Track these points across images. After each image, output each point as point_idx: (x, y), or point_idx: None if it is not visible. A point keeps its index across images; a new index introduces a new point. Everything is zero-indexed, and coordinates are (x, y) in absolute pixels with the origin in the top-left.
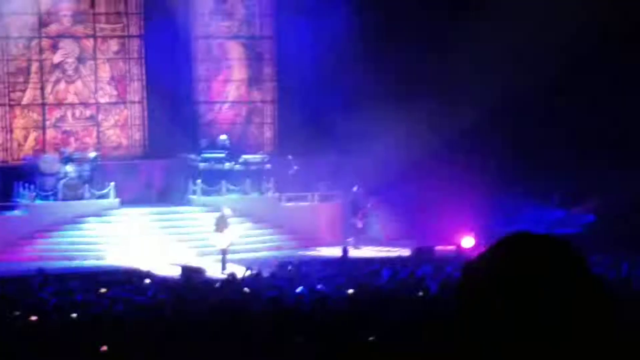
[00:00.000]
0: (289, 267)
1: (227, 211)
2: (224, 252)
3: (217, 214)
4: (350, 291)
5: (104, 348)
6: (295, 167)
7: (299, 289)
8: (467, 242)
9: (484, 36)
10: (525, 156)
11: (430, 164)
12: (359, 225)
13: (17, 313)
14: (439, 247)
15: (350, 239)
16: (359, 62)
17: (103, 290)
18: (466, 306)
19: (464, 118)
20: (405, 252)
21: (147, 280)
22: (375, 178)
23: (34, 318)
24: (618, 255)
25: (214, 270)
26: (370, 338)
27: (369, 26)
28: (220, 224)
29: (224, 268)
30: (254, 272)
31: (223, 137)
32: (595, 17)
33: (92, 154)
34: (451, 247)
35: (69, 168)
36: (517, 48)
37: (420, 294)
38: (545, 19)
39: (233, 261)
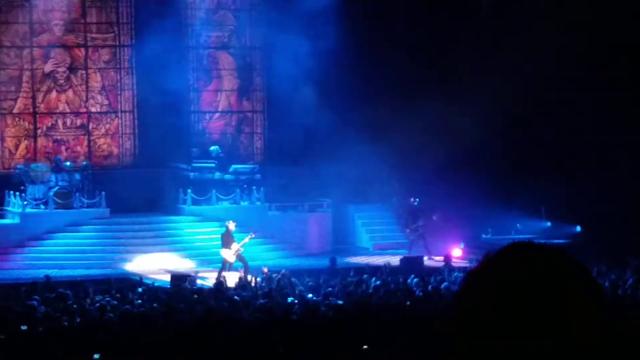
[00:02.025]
0: (278, 276)
1: (231, 226)
2: (225, 264)
3: (222, 230)
4: (337, 301)
5: (96, 357)
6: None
7: (289, 299)
8: (456, 253)
9: (478, 51)
10: (514, 168)
11: (420, 176)
12: (411, 236)
13: (6, 322)
14: (427, 258)
15: (410, 251)
16: (349, 72)
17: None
18: (466, 314)
19: (455, 131)
20: (394, 262)
21: (138, 289)
22: (367, 189)
23: (23, 327)
24: (606, 264)
25: (207, 279)
26: (364, 347)
27: (359, 37)
28: (227, 239)
29: (218, 278)
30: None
31: (214, 147)
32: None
33: (83, 163)
34: (439, 258)
35: (60, 177)
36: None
37: (408, 303)
38: (551, 28)
39: (231, 270)
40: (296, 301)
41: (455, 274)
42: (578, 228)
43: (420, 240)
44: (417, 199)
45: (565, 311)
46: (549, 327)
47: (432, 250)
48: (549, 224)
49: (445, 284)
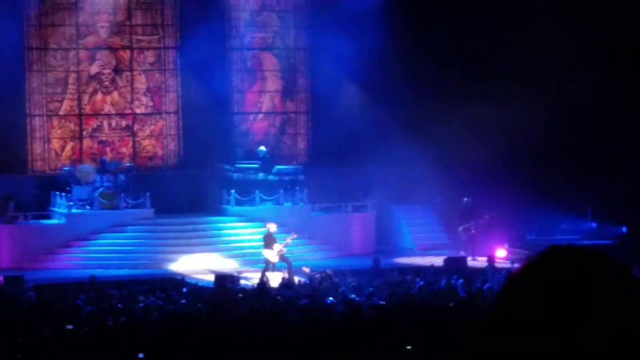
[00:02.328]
0: (322, 277)
1: (272, 227)
2: (268, 265)
3: (265, 231)
4: (380, 301)
5: (141, 356)
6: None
7: (332, 299)
8: (500, 253)
9: (523, 49)
10: (559, 168)
11: (465, 176)
12: (464, 236)
13: (52, 320)
14: (473, 259)
15: (462, 251)
16: (393, 72)
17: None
18: (507, 315)
19: (500, 130)
20: (438, 263)
21: (182, 289)
22: (410, 189)
23: (69, 327)
24: None
25: (250, 280)
26: (408, 347)
27: (403, 36)
28: (269, 240)
29: (261, 278)
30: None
31: (261, 148)
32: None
33: (128, 164)
34: (483, 259)
35: (105, 178)
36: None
37: (451, 304)
38: (596, 21)
39: (274, 271)
40: (339, 301)
41: (499, 275)
42: (624, 229)
43: (471, 240)
44: (470, 199)
45: (602, 313)
46: (586, 328)
47: (477, 251)
48: (594, 224)
49: (488, 284)
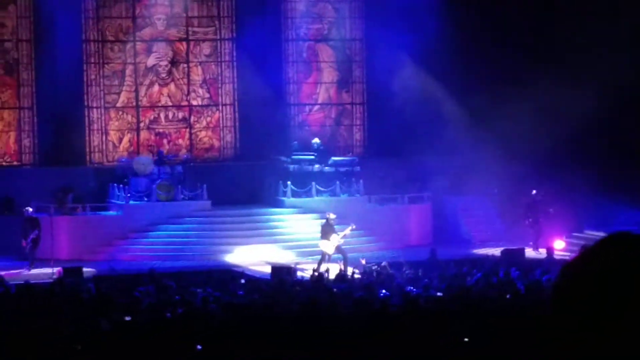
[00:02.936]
0: (378, 268)
1: (331, 217)
2: (324, 256)
3: (323, 221)
4: (437, 293)
5: (199, 348)
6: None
7: (388, 291)
8: (559, 245)
9: (584, 36)
10: (620, 158)
11: (522, 166)
12: (531, 229)
13: (111, 312)
14: (530, 250)
15: (531, 243)
16: (450, 62)
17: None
18: (563, 306)
19: (558, 121)
20: (495, 254)
21: (241, 279)
22: (466, 180)
23: (127, 318)
24: None
25: (306, 271)
26: (465, 339)
27: (459, 26)
28: (326, 231)
29: (318, 270)
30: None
31: (315, 140)
32: None
33: (185, 156)
34: (542, 250)
35: (162, 169)
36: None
37: (509, 296)
38: None
39: (330, 262)
40: (395, 293)
41: (557, 266)
42: None
43: (538, 233)
44: (538, 191)
45: None
46: None
47: (539, 244)
48: None
49: (547, 276)
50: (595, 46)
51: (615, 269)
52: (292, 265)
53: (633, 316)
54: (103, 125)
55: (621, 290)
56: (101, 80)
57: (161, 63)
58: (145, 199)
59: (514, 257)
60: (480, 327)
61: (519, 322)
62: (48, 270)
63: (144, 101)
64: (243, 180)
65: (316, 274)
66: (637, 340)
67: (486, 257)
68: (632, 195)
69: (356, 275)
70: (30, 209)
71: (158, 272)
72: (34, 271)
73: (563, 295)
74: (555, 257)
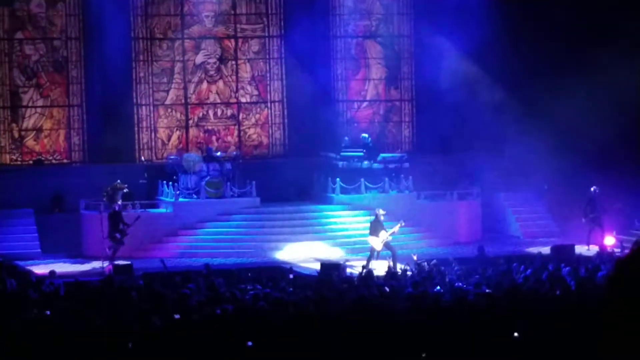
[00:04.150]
0: (428, 265)
1: (381, 213)
2: (373, 252)
3: (372, 217)
4: (487, 289)
5: (249, 344)
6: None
7: (438, 288)
8: (609, 241)
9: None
10: None
11: (572, 163)
12: (589, 226)
13: (162, 309)
14: (580, 246)
15: (587, 242)
16: (500, 58)
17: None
18: (617, 299)
19: (615, 118)
20: (545, 251)
21: (290, 276)
22: (515, 176)
23: (176, 316)
24: None
25: (355, 268)
26: (515, 335)
27: (509, 21)
28: (375, 227)
29: (367, 266)
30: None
31: (364, 135)
32: None
33: (234, 153)
34: (593, 246)
35: (211, 166)
36: None
37: (558, 292)
38: None
39: (378, 259)
40: (445, 290)
41: (610, 262)
42: None
43: (595, 230)
44: (597, 188)
45: None
46: None
47: (591, 240)
48: None
49: (601, 273)
50: None
51: None
52: (341, 262)
53: None
54: (152, 122)
55: None
56: (150, 77)
57: (209, 60)
58: (195, 196)
59: (564, 253)
60: (530, 323)
61: (569, 318)
62: (98, 267)
63: (193, 98)
64: (292, 177)
65: (365, 270)
66: None
67: (536, 254)
68: None
69: (408, 272)
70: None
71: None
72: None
73: (618, 288)
74: (607, 253)
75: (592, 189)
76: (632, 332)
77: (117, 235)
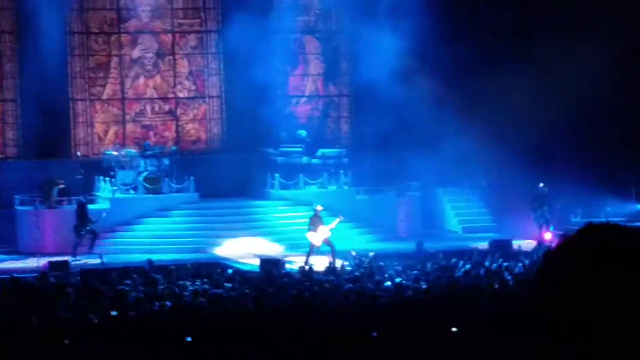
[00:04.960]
0: (367, 260)
1: (319, 209)
2: (312, 248)
3: (311, 213)
4: (426, 284)
5: (188, 339)
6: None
7: (387, 283)
8: (547, 236)
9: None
10: (604, 148)
11: (510, 158)
12: (537, 222)
13: (99, 306)
14: (518, 241)
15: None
16: (437, 54)
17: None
18: (546, 291)
19: (555, 111)
20: (483, 245)
21: (229, 272)
22: (454, 172)
23: (113, 313)
24: None
25: (294, 263)
26: (453, 329)
27: (446, 19)
28: (314, 222)
29: (306, 262)
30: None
31: (301, 131)
32: None
33: (172, 148)
34: (530, 241)
35: (149, 162)
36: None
37: (496, 286)
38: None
39: (317, 254)
40: (384, 285)
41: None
42: None
43: (544, 225)
44: (544, 185)
45: (634, 291)
46: (623, 307)
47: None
48: (639, 206)
49: (536, 267)
50: (580, 39)
51: (593, 258)
52: (281, 258)
53: (609, 302)
54: (88, 117)
55: (598, 278)
56: (86, 72)
57: (146, 55)
58: (132, 191)
59: (502, 248)
60: (469, 317)
61: (506, 311)
62: (34, 263)
63: (130, 93)
64: (230, 173)
65: (306, 266)
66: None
67: (474, 249)
68: (617, 186)
69: (347, 268)
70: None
71: (144, 265)
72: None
73: (546, 280)
74: (543, 247)
75: (540, 185)
76: (560, 323)
77: (82, 230)
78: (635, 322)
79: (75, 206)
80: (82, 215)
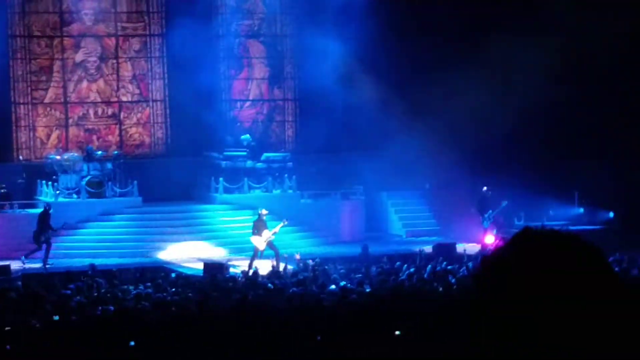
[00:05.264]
0: (312, 264)
1: (263, 213)
2: (256, 252)
3: (255, 217)
4: (370, 288)
5: (131, 344)
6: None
7: (332, 287)
8: (489, 239)
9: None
10: (547, 153)
11: (454, 162)
12: (484, 225)
13: (41, 310)
14: (462, 245)
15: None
16: (382, 58)
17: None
18: (482, 296)
19: (489, 116)
20: (427, 249)
21: (173, 276)
22: (398, 176)
23: (55, 317)
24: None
25: (238, 267)
26: (397, 332)
27: (391, 23)
28: (258, 226)
29: (250, 266)
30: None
31: (245, 135)
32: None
33: (115, 152)
34: (474, 244)
35: (92, 166)
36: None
37: (441, 289)
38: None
39: (261, 258)
40: (329, 289)
41: None
42: (611, 214)
43: (493, 228)
44: (489, 188)
45: (574, 296)
46: (556, 310)
47: (472, 237)
48: (582, 210)
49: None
50: (520, 48)
51: (530, 262)
52: (225, 262)
53: (543, 306)
54: (31, 121)
55: (534, 281)
56: (28, 75)
57: (90, 59)
58: (75, 196)
59: (445, 251)
60: (412, 320)
61: (450, 314)
62: None
63: (73, 97)
64: (175, 177)
65: (250, 270)
66: (550, 330)
67: (418, 252)
68: (560, 190)
69: (290, 271)
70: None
71: (86, 269)
72: None
73: (482, 285)
74: (486, 251)
75: (484, 188)
76: (495, 328)
77: (42, 237)
78: (561, 329)
79: (39, 212)
80: (43, 221)
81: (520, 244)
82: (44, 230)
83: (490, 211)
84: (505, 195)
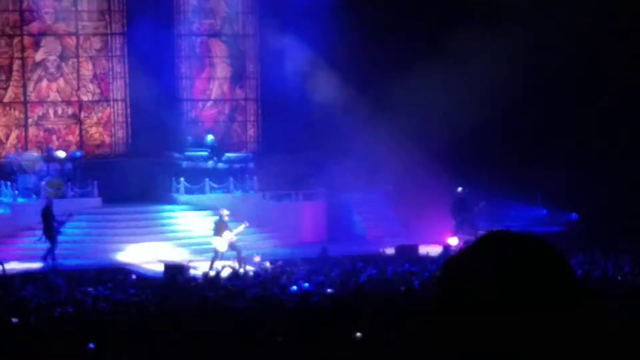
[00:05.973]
0: (272, 265)
1: (225, 214)
2: (217, 253)
3: (216, 218)
4: (331, 289)
5: (91, 346)
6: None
7: (294, 287)
8: (452, 241)
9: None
10: (511, 155)
11: (417, 163)
12: (459, 226)
13: None
14: (424, 246)
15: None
16: (344, 58)
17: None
18: (444, 301)
19: (452, 117)
20: (389, 251)
21: (133, 277)
22: (361, 177)
23: (14, 320)
24: (602, 253)
25: (199, 269)
26: (358, 334)
27: (356, 19)
28: (219, 227)
29: (211, 267)
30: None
31: (209, 136)
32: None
33: (75, 152)
34: (437, 246)
35: (51, 166)
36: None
37: (403, 290)
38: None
39: (222, 259)
40: (290, 290)
41: None
42: (574, 216)
43: (470, 229)
44: (463, 189)
45: (536, 300)
46: (520, 314)
47: (434, 239)
48: (545, 211)
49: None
50: (483, 48)
51: (493, 266)
52: (185, 263)
53: (507, 310)
54: None
55: (497, 285)
56: None
57: (50, 58)
58: (34, 196)
59: (408, 253)
60: (373, 322)
61: (412, 316)
62: None
63: (32, 97)
64: (135, 177)
65: (211, 271)
66: (511, 334)
67: (380, 254)
68: (523, 192)
69: (252, 273)
70: None
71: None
72: None
73: (444, 288)
74: (449, 253)
75: (458, 189)
76: (455, 332)
77: (52, 232)
78: (516, 335)
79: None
80: (47, 216)
81: (483, 247)
82: (51, 225)
83: (465, 213)
84: (482, 195)
